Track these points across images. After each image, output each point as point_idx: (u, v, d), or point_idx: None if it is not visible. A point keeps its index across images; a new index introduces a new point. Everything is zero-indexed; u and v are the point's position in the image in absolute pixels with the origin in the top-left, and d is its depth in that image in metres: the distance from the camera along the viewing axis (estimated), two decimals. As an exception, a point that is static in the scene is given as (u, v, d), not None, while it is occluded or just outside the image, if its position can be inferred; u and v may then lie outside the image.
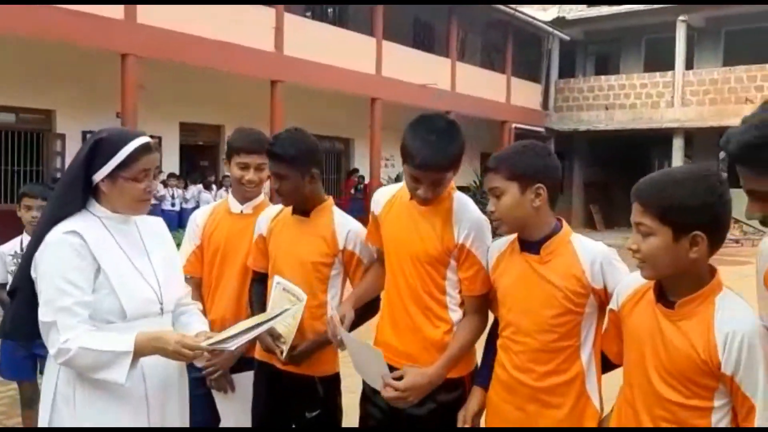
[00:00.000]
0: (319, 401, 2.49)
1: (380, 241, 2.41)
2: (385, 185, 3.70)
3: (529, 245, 2.01)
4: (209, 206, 3.10)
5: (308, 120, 14.87)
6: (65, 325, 1.86)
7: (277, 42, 13.35)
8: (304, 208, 2.57)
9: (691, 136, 20.48)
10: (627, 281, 1.84)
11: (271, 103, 13.11)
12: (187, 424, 2.19)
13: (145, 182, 2.01)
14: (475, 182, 19.32)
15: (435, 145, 2.09)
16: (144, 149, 1.99)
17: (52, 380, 1.98)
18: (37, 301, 1.92)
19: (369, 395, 2.34)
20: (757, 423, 1.54)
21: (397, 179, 16.82)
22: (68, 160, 12.59)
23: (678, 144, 19.89)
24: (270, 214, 2.68)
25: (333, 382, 2.55)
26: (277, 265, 2.58)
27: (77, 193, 1.99)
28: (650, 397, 1.67)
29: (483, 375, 2.15)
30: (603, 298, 1.94)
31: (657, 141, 21.47)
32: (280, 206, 2.69)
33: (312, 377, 2.45)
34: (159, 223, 2.24)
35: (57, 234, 1.92)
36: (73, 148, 12.46)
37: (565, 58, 23.11)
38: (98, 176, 1.97)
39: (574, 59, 24.19)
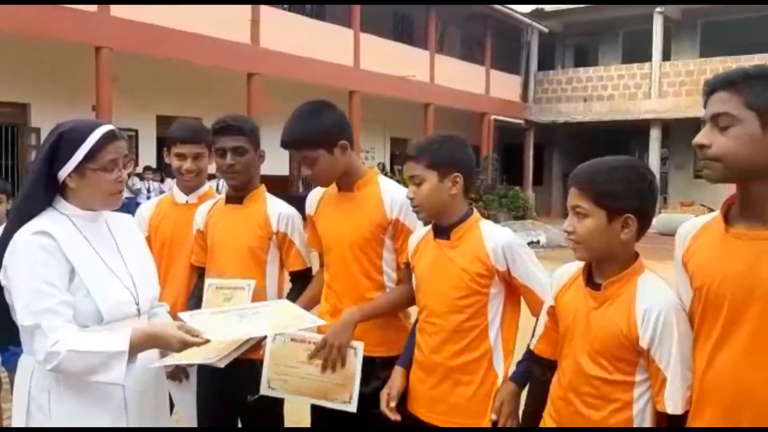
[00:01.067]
0: (260, 384, 2.49)
1: (319, 244, 2.52)
2: None
3: (441, 231, 2.12)
4: (156, 198, 3.11)
5: (287, 112, 14.57)
6: (50, 326, 1.73)
7: (254, 34, 13.27)
8: (243, 192, 2.64)
9: (669, 126, 20.69)
10: (558, 273, 1.92)
11: (248, 96, 13.05)
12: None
13: (115, 172, 1.89)
14: (455, 174, 19.35)
15: (289, 126, 2.32)
16: (109, 137, 1.88)
17: (24, 387, 1.87)
18: (6, 306, 1.82)
19: None
20: (667, 393, 1.63)
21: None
22: (43, 155, 12.43)
23: (655, 135, 20.08)
24: (205, 208, 2.72)
25: None
26: (214, 255, 2.62)
27: (41, 191, 1.88)
28: (578, 375, 1.76)
29: (405, 356, 2.23)
30: (507, 278, 2.06)
31: (635, 132, 21.64)
32: (214, 199, 2.75)
33: (253, 360, 2.41)
34: (128, 219, 2.15)
35: (25, 235, 1.80)
36: (47, 142, 12.30)
37: (544, 51, 23.21)
38: (64, 172, 1.86)
39: (553, 51, 24.30)
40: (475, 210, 2.18)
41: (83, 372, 1.75)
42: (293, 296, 2.53)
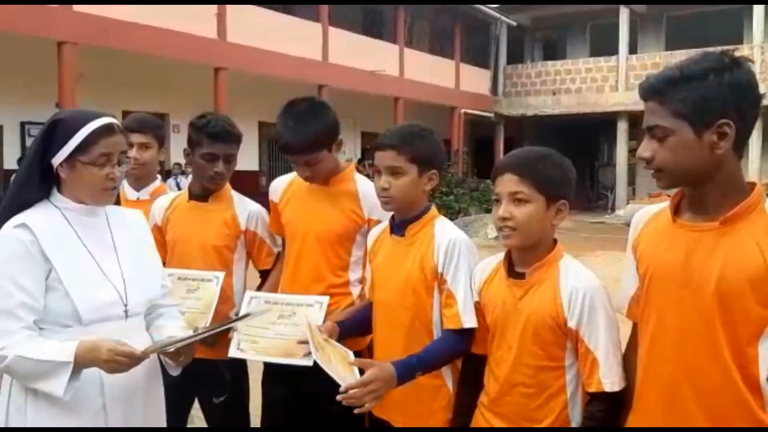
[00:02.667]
0: (226, 385, 2.46)
1: (282, 230, 2.52)
2: None
3: (398, 227, 2.10)
4: None
5: (255, 107, 14.80)
6: (4, 329, 1.69)
7: (220, 28, 13.11)
8: (206, 190, 2.60)
9: (636, 119, 20.92)
10: (479, 268, 1.96)
11: (215, 91, 12.89)
12: None
13: (107, 168, 1.79)
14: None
15: (294, 129, 2.27)
16: (104, 131, 1.79)
17: (5, 387, 1.84)
18: None
19: (272, 376, 2.42)
20: (603, 372, 1.67)
21: (348, 167, 16.77)
22: (6, 151, 12.25)
23: (623, 127, 20.33)
24: (163, 203, 2.68)
25: (239, 365, 2.51)
26: (175, 252, 2.58)
27: (34, 179, 1.81)
28: (512, 366, 1.80)
29: (344, 320, 2.20)
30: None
31: (603, 124, 21.89)
32: (172, 195, 2.71)
33: (217, 361, 2.40)
34: (136, 217, 2.03)
35: (7, 229, 1.75)
36: (11, 139, 12.04)
37: (513, 44, 23.32)
38: (56, 161, 1.79)
39: (522, 45, 24.44)
40: (433, 207, 2.15)
41: (28, 378, 1.71)
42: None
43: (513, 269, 1.83)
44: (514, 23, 22.46)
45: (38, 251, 1.74)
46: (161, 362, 1.97)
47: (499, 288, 1.85)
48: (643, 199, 18.88)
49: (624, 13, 20.29)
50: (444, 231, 2.05)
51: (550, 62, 22.59)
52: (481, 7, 20.69)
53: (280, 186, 2.55)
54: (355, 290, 2.40)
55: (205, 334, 1.88)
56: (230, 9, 13.24)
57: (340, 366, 1.96)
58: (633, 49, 21.02)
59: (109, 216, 1.92)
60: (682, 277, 1.50)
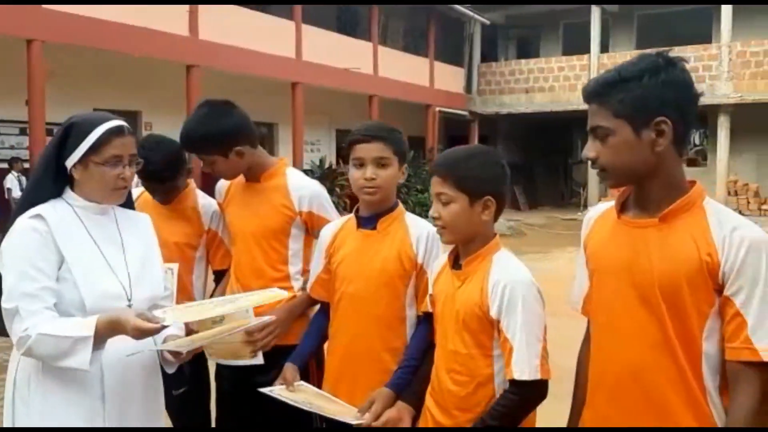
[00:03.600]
0: (185, 378, 2.47)
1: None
2: (309, 169, 3.77)
3: (367, 221, 2.16)
4: None
5: (229, 105, 14.56)
6: (28, 311, 1.75)
7: (192, 26, 12.98)
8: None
9: (607, 117, 21.20)
10: (436, 263, 2.04)
11: (187, 88, 12.75)
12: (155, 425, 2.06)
13: (118, 168, 1.90)
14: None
15: (186, 128, 2.38)
16: (115, 132, 1.90)
17: (11, 376, 1.90)
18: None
19: (220, 370, 2.51)
20: (514, 359, 1.74)
21: (321, 163, 16.75)
22: (-28, 151, 12.03)
23: (595, 125, 20.57)
24: None
25: (198, 358, 2.54)
26: None
27: (49, 179, 1.92)
28: (446, 353, 1.88)
29: (298, 353, 2.24)
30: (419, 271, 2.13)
31: (576, 122, 22.10)
32: (138, 191, 2.70)
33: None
34: (144, 220, 2.12)
35: (23, 220, 1.85)
36: (-21, 138, 11.80)
37: (487, 43, 23.45)
38: (70, 162, 1.89)
39: (496, 43, 24.59)
40: (399, 203, 2.22)
41: (51, 356, 1.75)
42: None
43: (458, 261, 1.93)
44: (488, 22, 22.58)
45: (52, 241, 1.82)
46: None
47: (444, 280, 1.95)
48: (614, 196, 19.12)
49: (596, 12, 20.51)
50: (417, 223, 2.17)
51: (523, 60, 22.75)
52: (455, 5, 20.76)
53: (223, 187, 2.60)
54: (297, 283, 2.44)
55: (219, 335, 1.93)
56: (202, 6, 13.11)
57: (323, 402, 2.05)
58: (605, 48, 21.25)
59: (117, 216, 2.01)
60: (626, 273, 1.55)
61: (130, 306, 1.90)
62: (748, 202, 19.28)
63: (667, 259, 1.49)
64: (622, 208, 1.63)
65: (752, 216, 18.44)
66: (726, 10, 18.48)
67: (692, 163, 24.94)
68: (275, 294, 2.09)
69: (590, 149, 1.56)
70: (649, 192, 1.55)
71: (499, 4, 22.01)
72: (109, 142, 1.88)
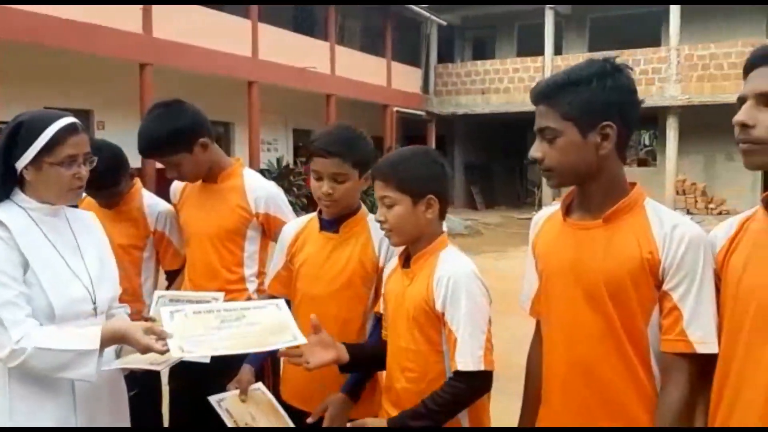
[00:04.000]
0: (136, 381, 2.44)
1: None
2: (266, 169, 3.76)
3: (329, 224, 2.17)
4: None
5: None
6: (11, 320, 1.67)
7: (145, 24, 12.73)
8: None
9: (561, 118, 21.56)
10: (388, 265, 2.09)
11: (141, 87, 12.51)
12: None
13: (74, 168, 1.82)
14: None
15: (144, 134, 2.34)
16: (69, 130, 1.81)
17: None
18: None
19: (173, 372, 2.50)
20: (458, 351, 1.76)
21: (278, 163, 16.61)
22: None
23: (549, 126, 20.90)
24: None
25: None
26: None
27: None
28: (399, 351, 1.91)
29: (255, 354, 2.16)
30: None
31: (531, 123, 22.19)
32: (83, 195, 2.68)
33: None
34: (91, 218, 2.06)
35: None
36: None
37: (444, 43, 23.61)
38: (21, 163, 1.79)
39: (453, 44, 24.77)
40: (363, 204, 2.23)
41: (50, 369, 1.70)
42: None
43: (408, 261, 1.96)
44: (444, 23, 22.73)
45: (15, 246, 1.75)
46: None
47: (395, 279, 1.99)
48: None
49: (549, 15, 20.84)
50: (378, 227, 2.10)
51: (479, 62, 22.98)
52: (411, 6, 20.84)
53: (178, 188, 2.61)
54: (252, 285, 2.45)
55: (226, 352, 1.77)
56: (156, 4, 12.88)
57: (265, 418, 2.05)
58: (558, 50, 21.62)
59: (69, 217, 1.95)
60: (573, 274, 1.60)
61: (95, 309, 1.87)
62: (696, 201, 19.85)
63: (611, 258, 1.54)
64: (567, 210, 1.68)
65: (699, 215, 19.01)
66: (674, 15, 18.99)
67: (643, 163, 25.58)
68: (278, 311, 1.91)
69: (537, 150, 1.61)
70: (592, 194, 1.60)
71: (453, 4, 22.17)
72: (64, 141, 1.80)
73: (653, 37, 20.65)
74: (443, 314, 1.81)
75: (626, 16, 21.12)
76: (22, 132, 1.79)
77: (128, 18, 12.32)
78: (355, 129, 2.17)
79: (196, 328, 1.81)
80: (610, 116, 1.53)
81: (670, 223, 1.54)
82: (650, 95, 19.07)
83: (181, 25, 13.27)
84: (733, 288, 1.41)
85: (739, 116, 1.34)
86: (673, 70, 18.99)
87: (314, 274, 2.16)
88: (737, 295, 1.40)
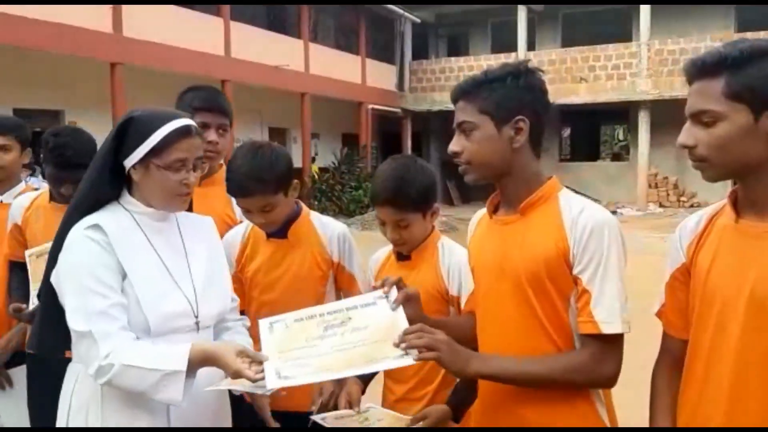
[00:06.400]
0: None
1: None
2: None
3: (276, 233, 2.18)
4: None
5: (155, 103, 14.07)
6: (103, 333, 1.55)
7: (116, 23, 12.56)
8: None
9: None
10: (373, 259, 2.21)
11: (112, 87, 12.36)
12: None
13: (182, 173, 1.68)
14: (333, 163, 19.36)
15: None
16: (182, 133, 1.68)
17: (65, 402, 1.72)
18: (60, 312, 1.62)
19: None
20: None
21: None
22: None
23: (524, 121, 21.04)
24: (23, 202, 2.66)
25: None
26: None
27: (104, 181, 1.70)
28: None
29: None
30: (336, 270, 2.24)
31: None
32: (33, 194, 2.67)
33: None
34: (206, 223, 1.91)
35: (78, 230, 1.65)
36: None
37: (418, 41, 23.64)
38: (129, 162, 1.68)
39: (427, 41, 24.82)
40: (303, 205, 2.26)
41: (136, 389, 1.55)
42: None
43: (401, 254, 2.11)
44: (418, 20, 22.76)
45: (112, 252, 1.63)
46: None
47: (389, 271, 2.09)
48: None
49: (522, 11, 20.98)
50: (326, 224, 2.24)
51: (453, 58, 23.05)
52: (385, 3, 20.83)
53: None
54: None
55: (331, 377, 1.64)
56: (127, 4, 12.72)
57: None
58: (531, 46, 21.77)
59: (180, 222, 1.81)
60: (498, 269, 1.66)
61: (197, 324, 1.71)
62: (668, 194, 20.14)
63: (528, 251, 1.60)
64: (495, 209, 1.76)
65: (672, 208, 19.30)
66: (644, 11, 19.23)
67: (617, 157, 25.88)
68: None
69: (455, 144, 1.65)
70: (510, 189, 1.67)
71: (427, 4, 22.22)
72: (174, 145, 1.66)
73: (624, 33, 20.89)
74: (458, 297, 2.00)
75: (598, 12, 21.35)
76: (132, 129, 1.67)
77: (98, 17, 12.15)
78: (265, 155, 2.07)
79: (297, 340, 1.61)
80: (523, 112, 1.60)
81: (576, 210, 1.58)
82: (622, 90, 19.30)
83: (151, 24, 13.12)
84: (700, 286, 1.42)
85: (680, 139, 1.38)
86: (644, 65, 19.23)
87: (268, 282, 2.20)
88: (704, 292, 1.40)
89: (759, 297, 1.29)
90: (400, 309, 1.64)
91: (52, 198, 2.59)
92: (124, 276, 1.63)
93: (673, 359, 1.53)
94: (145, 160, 1.67)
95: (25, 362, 2.59)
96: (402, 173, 2.02)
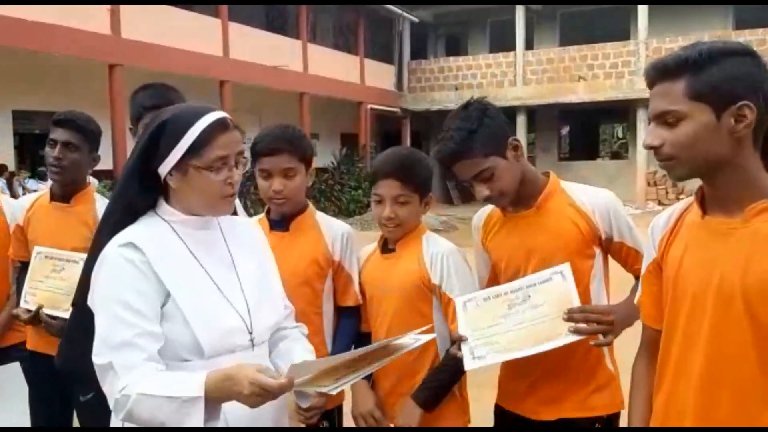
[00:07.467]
0: (92, 384, 2.44)
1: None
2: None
3: (278, 223, 2.22)
4: None
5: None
6: (124, 366, 1.41)
7: (114, 24, 12.58)
8: (67, 191, 2.59)
9: (533, 112, 21.75)
10: (359, 256, 2.25)
11: (110, 88, 12.38)
12: None
13: (224, 172, 1.51)
14: (332, 162, 19.36)
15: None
16: (218, 128, 1.51)
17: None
18: (92, 324, 1.48)
19: None
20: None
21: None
22: None
23: (521, 120, 21.04)
24: (24, 203, 2.69)
25: None
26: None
27: (136, 192, 1.54)
28: (388, 326, 2.09)
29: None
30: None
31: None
32: (34, 195, 2.71)
33: None
34: (251, 226, 1.78)
35: (112, 248, 1.49)
36: None
37: (416, 40, 23.65)
38: (164, 169, 1.51)
39: (426, 41, 24.83)
40: (309, 203, 2.27)
41: (155, 419, 1.39)
42: None
43: (387, 246, 2.17)
44: (417, 20, 22.78)
45: (151, 273, 1.47)
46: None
47: (374, 264, 2.18)
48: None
49: (520, 11, 20.99)
50: (330, 224, 2.27)
51: (452, 58, 23.07)
52: (384, 3, 20.84)
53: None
54: None
55: (365, 372, 1.53)
56: (124, 4, 12.72)
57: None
58: (530, 45, 21.79)
59: (223, 229, 1.64)
60: (524, 254, 1.95)
61: (252, 340, 1.57)
62: (667, 192, 20.16)
63: (548, 239, 1.92)
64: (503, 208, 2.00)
65: (671, 206, 19.27)
66: (642, 9, 19.24)
67: (616, 156, 25.89)
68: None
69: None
70: (523, 191, 1.94)
71: (426, 4, 22.22)
72: (212, 141, 1.50)
73: (622, 32, 20.90)
74: (439, 286, 2.05)
75: (596, 11, 21.36)
76: (165, 132, 1.51)
77: (96, 19, 12.16)
78: (295, 126, 2.22)
79: (486, 318, 1.79)
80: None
81: (589, 192, 1.98)
82: (620, 89, 19.31)
83: (150, 25, 13.13)
84: (671, 280, 1.46)
85: (646, 140, 1.41)
86: (642, 63, 19.22)
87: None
88: (675, 286, 1.44)
89: (725, 291, 1.33)
90: (571, 284, 1.77)
91: (52, 198, 2.61)
92: (167, 296, 1.48)
93: (650, 350, 1.56)
94: (181, 164, 1.50)
95: (15, 359, 2.57)
96: (408, 153, 2.15)
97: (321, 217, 2.27)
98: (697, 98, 1.32)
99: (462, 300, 1.87)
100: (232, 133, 1.55)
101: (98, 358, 1.44)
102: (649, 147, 1.40)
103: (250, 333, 1.57)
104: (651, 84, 1.40)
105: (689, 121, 1.34)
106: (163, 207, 1.57)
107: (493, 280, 2.07)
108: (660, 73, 1.38)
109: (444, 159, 1.88)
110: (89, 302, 1.52)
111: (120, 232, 1.52)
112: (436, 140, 1.96)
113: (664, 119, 1.37)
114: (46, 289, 2.41)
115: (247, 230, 1.74)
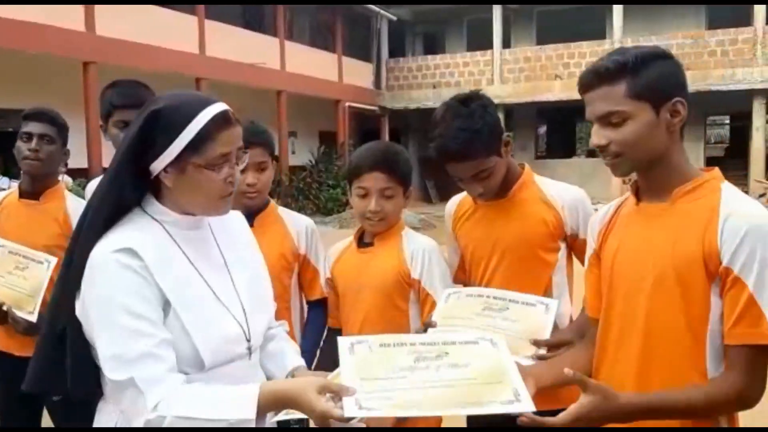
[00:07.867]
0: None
1: None
2: None
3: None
4: None
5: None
6: (149, 379, 1.28)
7: (88, 21, 12.41)
8: (37, 188, 2.55)
9: (511, 110, 21.87)
10: (331, 252, 2.26)
11: (85, 86, 12.21)
12: None
13: (225, 170, 1.40)
14: (310, 161, 19.30)
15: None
16: (221, 122, 1.39)
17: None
18: (85, 348, 1.37)
19: None
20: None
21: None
22: None
23: (500, 118, 21.18)
24: None
25: None
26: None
27: (123, 188, 1.39)
28: (363, 321, 2.10)
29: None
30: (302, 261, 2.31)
31: (481, 116, 22.62)
32: (3, 193, 2.67)
33: None
34: (236, 220, 1.63)
35: (105, 253, 1.34)
36: None
37: (394, 38, 23.65)
38: (158, 165, 1.37)
39: (404, 39, 24.83)
40: (270, 199, 2.30)
41: None
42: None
43: (362, 240, 2.17)
44: (395, 18, 22.77)
45: (151, 279, 1.35)
46: None
47: (349, 260, 2.17)
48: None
49: (497, 9, 21.08)
50: (292, 216, 2.29)
51: (429, 56, 23.10)
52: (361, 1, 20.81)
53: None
54: None
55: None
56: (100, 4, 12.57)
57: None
58: (507, 44, 21.90)
59: (212, 225, 1.53)
60: (490, 242, 2.04)
61: (249, 348, 1.47)
62: (643, 190, 20.40)
63: (518, 226, 2.01)
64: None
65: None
66: (617, 9, 19.43)
67: (591, 154, 26.09)
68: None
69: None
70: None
71: (404, 3, 22.22)
72: (214, 137, 1.37)
73: (598, 31, 21.08)
74: (419, 281, 2.06)
75: (572, 10, 21.52)
76: (160, 125, 1.36)
77: (70, 16, 11.99)
78: (260, 122, 2.28)
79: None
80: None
81: (560, 187, 2.09)
82: (597, 87, 19.47)
83: (125, 23, 12.97)
84: (608, 270, 1.55)
85: (593, 141, 1.49)
86: (618, 62, 19.44)
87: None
88: (612, 275, 1.53)
89: (659, 266, 1.43)
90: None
91: (21, 195, 2.57)
92: (166, 305, 1.37)
93: (591, 342, 1.62)
94: (179, 161, 1.37)
95: None
96: (389, 146, 2.19)
97: (283, 211, 2.29)
98: (638, 97, 1.42)
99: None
100: (235, 128, 1.43)
101: (113, 374, 1.30)
102: (597, 146, 1.49)
103: (248, 341, 1.48)
104: (588, 88, 1.48)
105: (634, 120, 1.43)
106: (154, 206, 1.44)
107: (462, 267, 2.16)
108: (600, 77, 1.45)
109: (446, 158, 1.90)
110: (79, 314, 1.37)
111: (109, 236, 1.38)
112: (432, 136, 1.93)
113: (609, 120, 1.45)
114: (9, 286, 2.35)
115: (234, 225, 1.61)
